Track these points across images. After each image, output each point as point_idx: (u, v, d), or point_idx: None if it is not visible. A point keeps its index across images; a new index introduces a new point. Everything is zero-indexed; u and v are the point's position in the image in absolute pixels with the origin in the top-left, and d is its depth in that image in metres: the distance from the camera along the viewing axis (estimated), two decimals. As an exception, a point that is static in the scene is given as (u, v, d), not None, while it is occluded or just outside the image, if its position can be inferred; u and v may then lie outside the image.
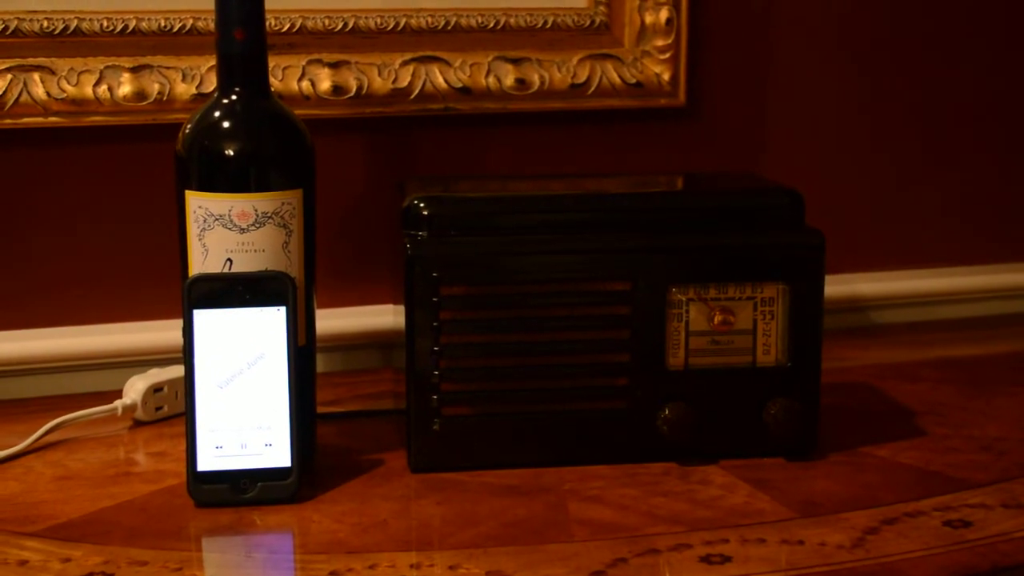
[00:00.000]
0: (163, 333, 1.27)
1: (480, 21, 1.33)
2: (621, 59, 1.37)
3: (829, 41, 1.47)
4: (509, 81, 1.34)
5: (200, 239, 1.04)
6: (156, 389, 1.19)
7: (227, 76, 1.06)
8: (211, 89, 1.23)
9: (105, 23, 1.23)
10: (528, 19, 1.34)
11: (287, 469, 1.01)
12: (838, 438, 1.14)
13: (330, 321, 1.29)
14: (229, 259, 1.04)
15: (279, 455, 1.01)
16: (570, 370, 1.08)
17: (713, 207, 1.11)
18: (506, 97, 1.34)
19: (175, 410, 1.20)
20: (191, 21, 1.25)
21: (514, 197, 1.13)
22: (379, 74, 1.30)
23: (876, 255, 1.53)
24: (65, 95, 1.22)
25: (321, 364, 1.20)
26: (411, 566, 0.91)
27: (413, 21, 1.31)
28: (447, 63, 1.32)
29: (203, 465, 1.01)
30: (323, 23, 1.28)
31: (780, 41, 1.45)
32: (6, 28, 1.20)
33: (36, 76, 1.22)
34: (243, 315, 1.02)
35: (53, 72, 1.22)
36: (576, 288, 1.07)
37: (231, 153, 1.04)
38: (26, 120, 1.22)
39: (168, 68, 1.25)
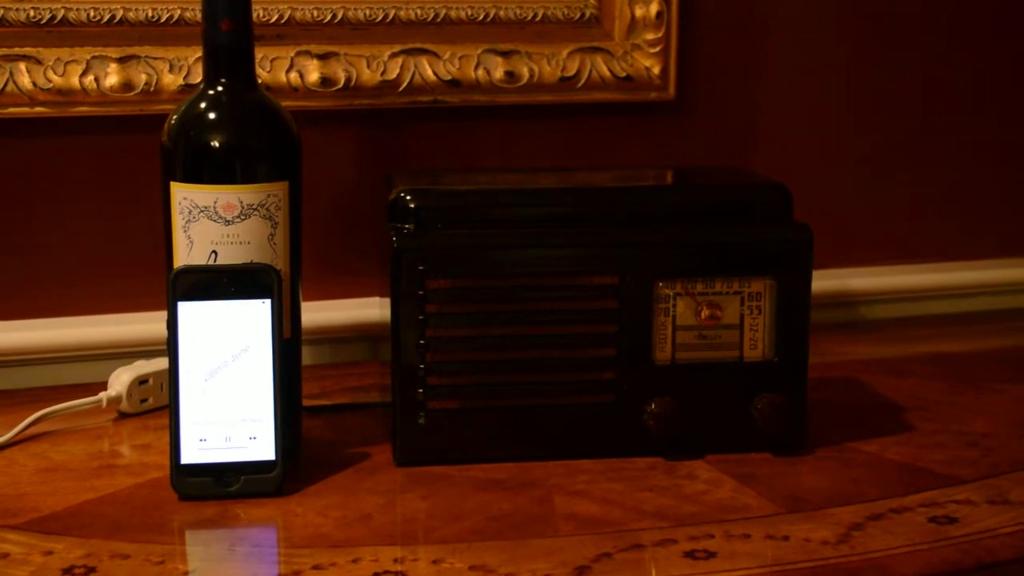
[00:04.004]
0: (148, 325, 1.26)
1: (470, 13, 1.32)
2: (611, 52, 1.36)
3: (819, 35, 1.47)
4: (498, 74, 1.33)
5: (185, 231, 1.04)
6: (141, 381, 1.19)
7: (214, 67, 1.05)
8: (198, 80, 1.22)
9: (92, 13, 1.22)
10: (518, 11, 1.33)
11: (271, 462, 1.01)
12: (825, 433, 1.14)
13: (316, 314, 1.29)
14: (214, 251, 1.03)
15: (263, 448, 1.01)
16: (557, 364, 1.08)
17: (701, 202, 1.11)
18: (495, 90, 1.34)
19: (160, 402, 1.19)
20: (178, 11, 1.24)
21: (502, 190, 1.13)
22: (368, 66, 1.30)
23: (865, 250, 1.52)
24: (51, 85, 1.22)
25: (308, 357, 1.20)
26: (395, 560, 0.91)
27: (403, 13, 1.30)
28: (436, 55, 1.32)
29: (187, 458, 1.00)
30: (312, 14, 1.28)
31: (770, 35, 1.44)
32: (-8, 17, 1.20)
33: (22, 66, 1.21)
34: (228, 307, 1.01)
35: (40, 62, 1.22)
36: (563, 282, 1.07)
37: (217, 144, 1.04)
38: (12, 110, 1.22)
39: (155, 59, 1.24)
